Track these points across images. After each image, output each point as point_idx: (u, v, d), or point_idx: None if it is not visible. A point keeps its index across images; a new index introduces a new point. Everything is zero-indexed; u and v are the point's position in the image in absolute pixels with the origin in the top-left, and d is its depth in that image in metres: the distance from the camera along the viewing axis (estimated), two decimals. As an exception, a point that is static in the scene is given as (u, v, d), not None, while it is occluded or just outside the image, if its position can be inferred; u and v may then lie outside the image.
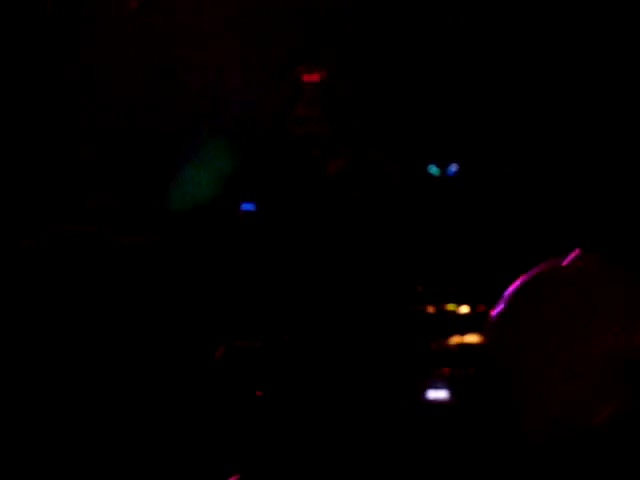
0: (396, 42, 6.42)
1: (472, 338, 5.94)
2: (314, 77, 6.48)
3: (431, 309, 5.93)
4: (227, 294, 5.99)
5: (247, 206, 6.27)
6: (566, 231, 6.29)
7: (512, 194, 6.45)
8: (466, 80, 6.39)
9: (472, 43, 6.33)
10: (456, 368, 5.77)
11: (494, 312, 1.78)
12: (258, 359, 3.82)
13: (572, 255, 1.73)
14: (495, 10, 6.26)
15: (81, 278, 1.13)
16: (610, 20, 6.23)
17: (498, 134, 6.48)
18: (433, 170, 6.46)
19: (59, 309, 1.11)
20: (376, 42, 6.35)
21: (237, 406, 3.73)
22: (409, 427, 4.46)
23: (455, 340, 5.91)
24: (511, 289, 1.80)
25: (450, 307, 6.05)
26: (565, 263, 1.72)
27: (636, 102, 6.25)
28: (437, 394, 5.58)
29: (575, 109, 6.38)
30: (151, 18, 6.35)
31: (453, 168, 6.47)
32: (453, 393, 5.60)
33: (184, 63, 6.43)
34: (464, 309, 6.06)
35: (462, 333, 5.95)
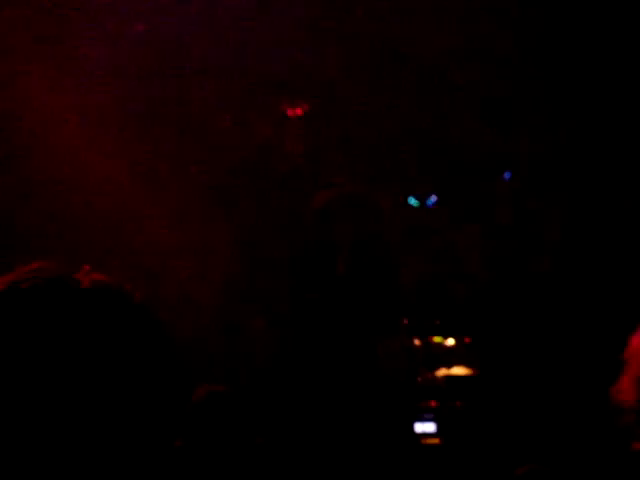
0: (379, 76, 6.45)
1: (459, 370, 5.94)
2: (298, 111, 6.49)
3: (417, 342, 5.93)
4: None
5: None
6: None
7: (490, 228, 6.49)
8: (446, 113, 6.42)
9: (453, 75, 6.36)
10: (443, 401, 5.76)
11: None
12: (237, 402, 3.81)
13: None
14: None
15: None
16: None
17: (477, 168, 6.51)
18: (412, 202, 6.49)
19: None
20: (358, 76, 6.38)
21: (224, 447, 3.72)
22: (398, 460, 4.45)
23: (442, 372, 5.91)
24: None
25: (436, 340, 6.05)
26: None
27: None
28: (424, 427, 5.56)
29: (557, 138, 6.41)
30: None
31: (432, 199, 6.50)
32: (440, 426, 5.59)
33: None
34: (450, 341, 6.06)
35: (449, 365, 5.94)
